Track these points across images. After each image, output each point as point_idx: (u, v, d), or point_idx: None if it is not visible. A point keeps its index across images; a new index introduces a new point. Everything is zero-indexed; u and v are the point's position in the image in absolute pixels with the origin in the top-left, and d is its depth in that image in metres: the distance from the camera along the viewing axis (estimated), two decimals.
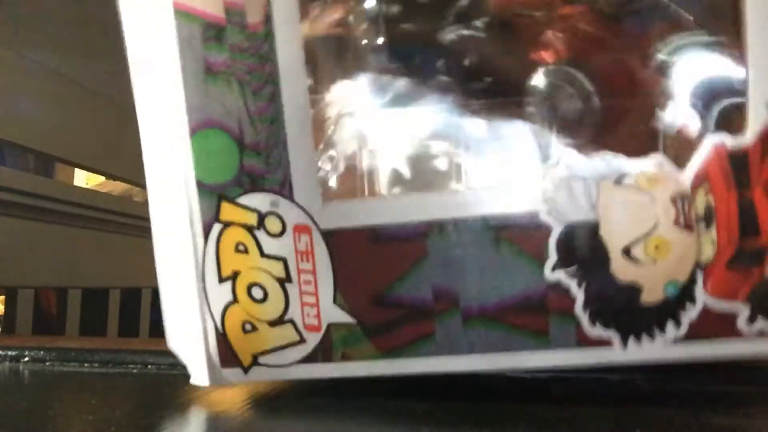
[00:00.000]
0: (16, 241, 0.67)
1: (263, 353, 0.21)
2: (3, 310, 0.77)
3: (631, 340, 0.19)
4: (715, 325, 0.19)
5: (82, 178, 1.36)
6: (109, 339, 0.76)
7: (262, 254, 0.20)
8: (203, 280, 0.21)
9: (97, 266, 0.81)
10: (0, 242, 0.64)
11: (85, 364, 0.28)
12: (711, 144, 0.19)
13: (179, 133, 0.20)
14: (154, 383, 0.25)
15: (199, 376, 0.21)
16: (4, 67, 0.64)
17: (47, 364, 0.28)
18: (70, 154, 0.78)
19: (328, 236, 0.20)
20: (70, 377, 0.26)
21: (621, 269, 0.19)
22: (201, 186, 0.20)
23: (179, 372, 0.27)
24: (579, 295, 0.19)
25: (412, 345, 0.20)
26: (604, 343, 0.19)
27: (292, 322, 0.20)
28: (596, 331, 0.19)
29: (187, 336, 0.21)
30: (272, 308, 0.20)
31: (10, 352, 0.29)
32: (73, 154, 0.78)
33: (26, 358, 0.29)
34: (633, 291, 0.19)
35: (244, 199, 0.20)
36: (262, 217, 0.20)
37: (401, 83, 0.22)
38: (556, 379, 0.24)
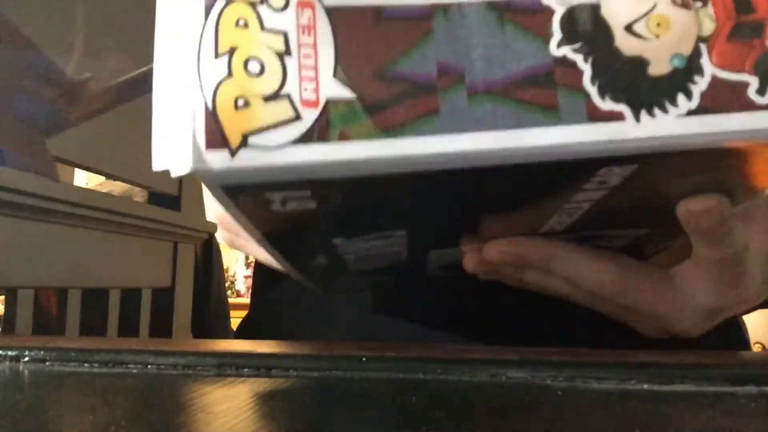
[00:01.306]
0: (16, 241, 0.67)
1: (254, 132, 0.19)
2: (3, 310, 0.77)
3: (643, 113, 0.20)
4: (725, 97, 0.20)
5: (82, 178, 1.36)
6: (109, 339, 0.76)
7: (263, 28, 0.20)
8: (198, 58, 0.20)
9: (97, 266, 0.81)
10: (0, 242, 0.64)
11: (85, 364, 0.28)
12: None
13: None
14: (154, 383, 0.25)
15: (180, 164, 0.20)
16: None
17: (47, 364, 0.28)
18: (70, 154, 0.78)
19: (332, 12, 0.20)
20: (70, 377, 0.26)
21: (625, 44, 0.20)
22: None
23: (179, 372, 0.27)
24: (586, 68, 0.20)
25: (414, 123, 0.20)
26: (615, 117, 0.20)
27: (288, 97, 0.20)
28: (607, 104, 0.20)
29: (174, 121, 0.20)
30: (268, 82, 0.20)
31: (10, 352, 0.29)
32: (74, 154, 0.78)
33: (26, 358, 0.29)
34: (639, 63, 0.20)
35: None
36: None
37: None
38: (556, 379, 0.24)
